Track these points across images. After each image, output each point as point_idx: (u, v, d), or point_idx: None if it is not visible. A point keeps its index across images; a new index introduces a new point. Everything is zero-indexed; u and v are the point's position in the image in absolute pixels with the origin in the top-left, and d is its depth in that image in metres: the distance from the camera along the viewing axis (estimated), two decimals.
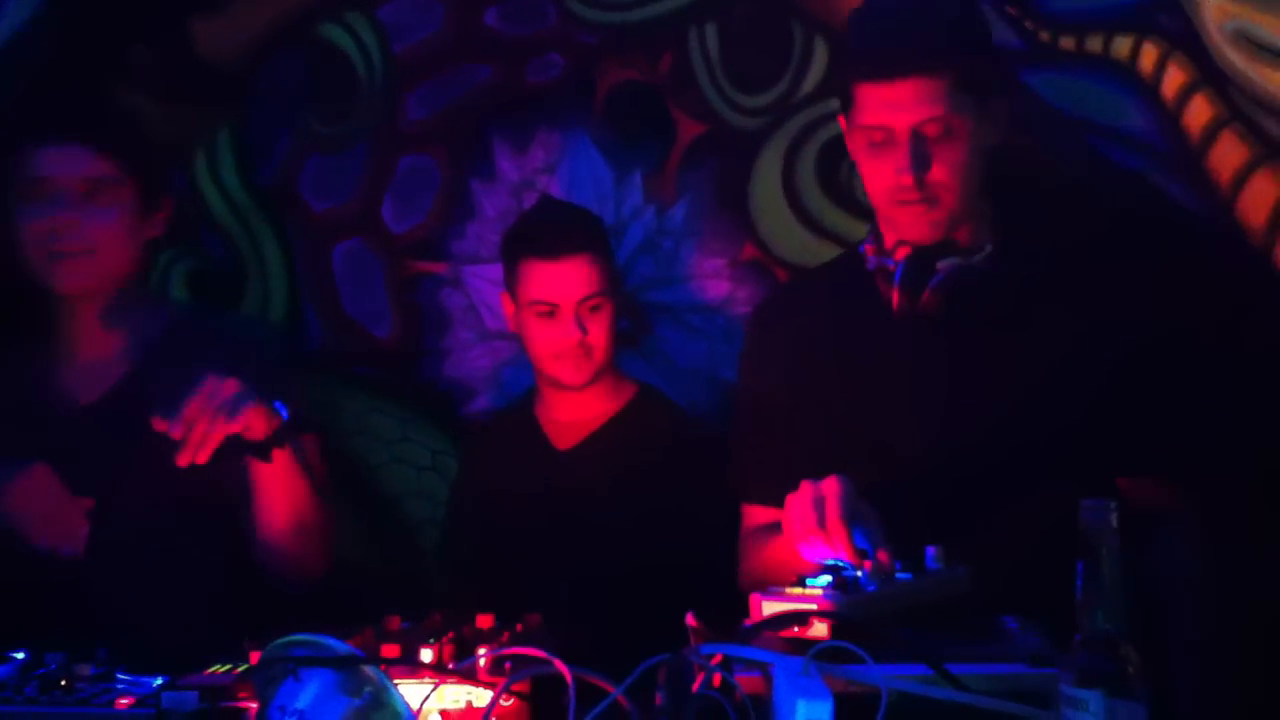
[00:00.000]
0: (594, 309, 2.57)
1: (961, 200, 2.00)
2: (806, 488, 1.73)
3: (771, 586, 1.53)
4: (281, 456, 2.13)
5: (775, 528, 1.88)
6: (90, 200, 2.28)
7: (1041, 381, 1.98)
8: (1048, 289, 2.01)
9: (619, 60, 3.02)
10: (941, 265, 1.99)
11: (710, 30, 2.99)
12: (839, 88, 2.07)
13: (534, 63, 3.05)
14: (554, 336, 2.57)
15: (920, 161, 1.94)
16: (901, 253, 2.02)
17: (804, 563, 1.73)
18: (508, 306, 2.68)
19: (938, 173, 1.96)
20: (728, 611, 1.50)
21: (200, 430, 1.98)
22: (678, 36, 3.00)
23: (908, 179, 1.96)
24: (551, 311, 2.56)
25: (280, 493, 2.21)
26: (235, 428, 2.02)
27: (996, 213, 2.08)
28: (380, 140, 3.08)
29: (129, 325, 2.38)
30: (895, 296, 2.00)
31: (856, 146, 2.04)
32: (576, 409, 2.68)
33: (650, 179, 3.03)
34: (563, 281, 2.55)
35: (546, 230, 2.61)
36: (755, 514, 2.14)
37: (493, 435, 2.83)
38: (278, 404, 2.11)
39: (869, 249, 2.08)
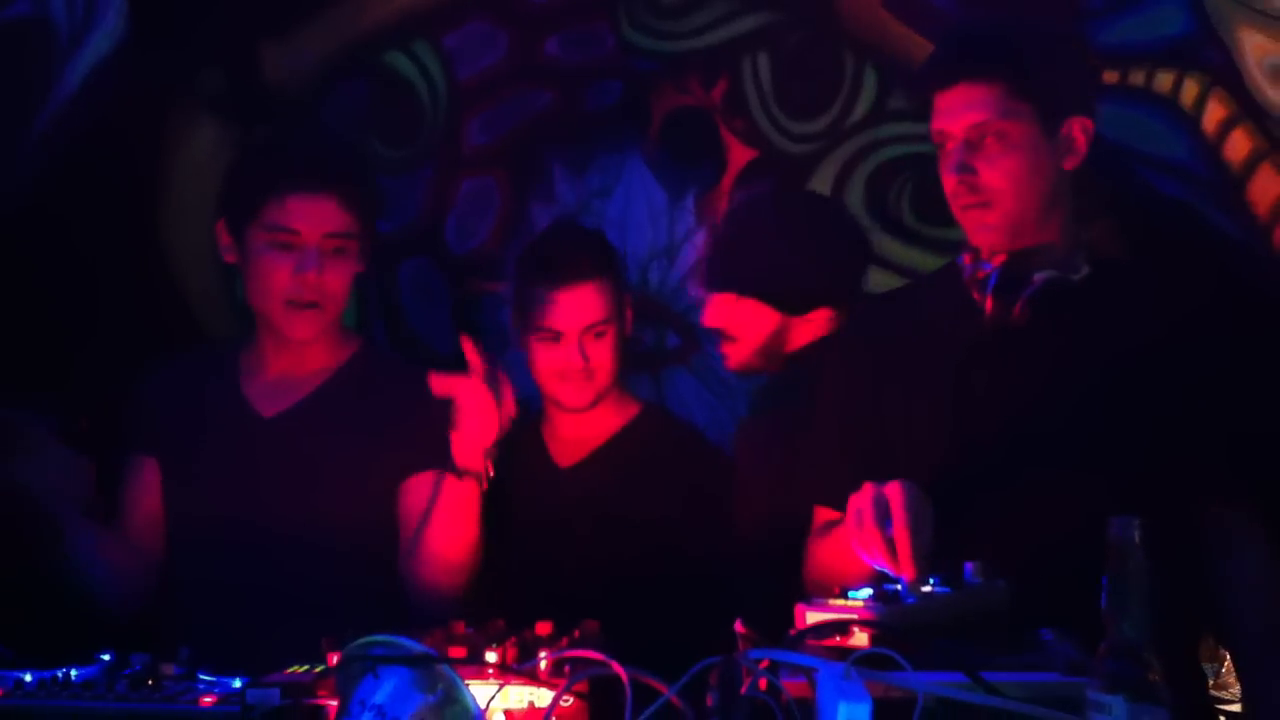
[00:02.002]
0: (598, 335, 2.56)
1: (1022, 208, 2.06)
2: (869, 490, 1.79)
3: (816, 597, 1.61)
4: (469, 487, 2.28)
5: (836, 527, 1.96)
6: (333, 256, 2.37)
7: (1120, 402, 2.02)
8: (1133, 312, 2.06)
9: (674, 87, 3.12)
10: (1038, 276, 2.05)
11: (763, 58, 3.09)
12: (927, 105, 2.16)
13: (592, 89, 3.15)
14: (557, 360, 2.57)
15: (963, 164, 2.03)
16: (998, 260, 2.08)
17: (860, 563, 1.80)
18: (513, 320, 2.68)
19: (989, 177, 2.03)
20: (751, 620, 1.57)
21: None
22: (731, 64, 3.10)
23: (951, 179, 2.06)
24: (556, 337, 2.57)
25: (460, 518, 2.32)
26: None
27: (1091, 238, 2.15)
28: (443, 163, 3.19)
29: (318, 349, 2.47)
30: (989, 303, 2.05)
31: (939, 158, 2.13)
32: (580, 427, 2.68)
33: (703, 202, 3.12)
34: (568, 310, 2.55)
35: (556, 257, 2.60)
36: (822, 514, 2.18)
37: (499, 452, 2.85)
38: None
39: (966, 258, 2.14)
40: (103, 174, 2.93)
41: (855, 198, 3.06)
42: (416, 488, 2.37)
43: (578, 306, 2.55)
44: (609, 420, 2.69)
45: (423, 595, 2.35)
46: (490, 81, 3.17)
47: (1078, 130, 2.06)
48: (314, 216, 2.35)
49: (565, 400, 2.61)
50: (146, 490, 2.46)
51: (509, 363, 2.85)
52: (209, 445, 2.43)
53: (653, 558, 2.50)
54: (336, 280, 2.39)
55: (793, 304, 2.52)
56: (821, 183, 3.06)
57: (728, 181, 3.11)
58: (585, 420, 2.67)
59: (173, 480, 2.45)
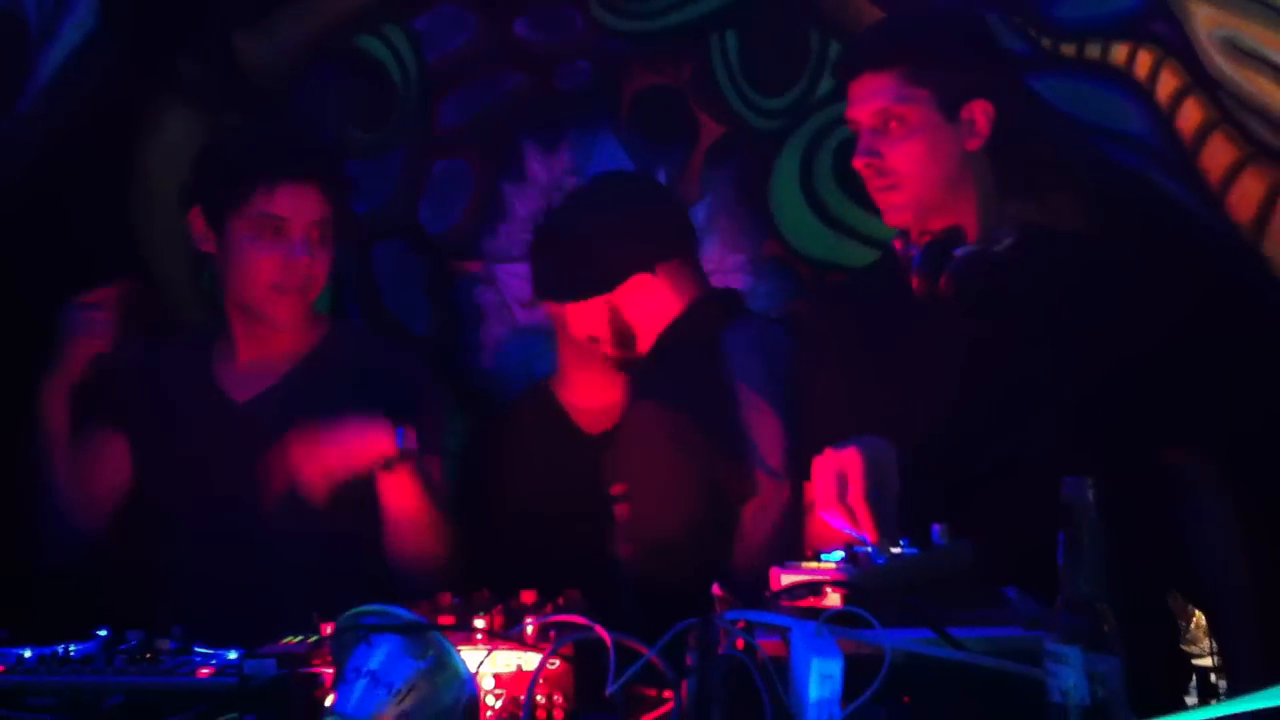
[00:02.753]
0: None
1: (926, 187, 2.18)
2: (830, 457, 1.86)
3: (789, 561, 1.67)
4: (401, 474, 2.31)
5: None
6: (317, 243, 2.44)
7: (1052, 365, 2.11)
8: (1062, 277, 2.15)
9: (644, 66, 3.17)
10: (958, 251, 2.15)
11: (731, 36, 3.14)
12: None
13: (562, 69, 3.19)
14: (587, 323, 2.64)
15: (869, 148, 2.17)
16: (923, 241, 2.19)
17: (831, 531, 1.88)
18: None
19: (893, 159, 2.17)
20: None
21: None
22: (700, 42, 3.14)
23: (859, 163, 2.19)
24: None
25: (402, 504, 2.36)
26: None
27: (1018, 211, 2.24)
28: (416, 145, 3.22)
29: (289, 333, 2.52)
30: (915, 281, 2.16)
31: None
32: (600, 395, 2.77)
33: (674, 179, 3.16)
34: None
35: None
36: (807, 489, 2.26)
37: (515, 420, 2.91)
38: (400, 430, 2.28)
39: (897, 243, 2.26)
40: (76, 164, 2.95)
41: (824, 172, 3.11)
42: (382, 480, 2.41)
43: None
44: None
45: (403, 574, 2.41)
46: (461, 63, 3.20)
47: (979, 113, 2.17)
48: (301, 205, 2.41)
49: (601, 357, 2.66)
50: (108, 464, 2.51)
51: (527, 343, 2.95)
52: (183, 431, 2.48)
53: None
54: (321, 266, 2.47)
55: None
56: (791, 157, 3.12)
57: (698, 158, 3.16)
58: (607, 388, 2.72)
59: (146, 464, 2.50)
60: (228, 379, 2.51)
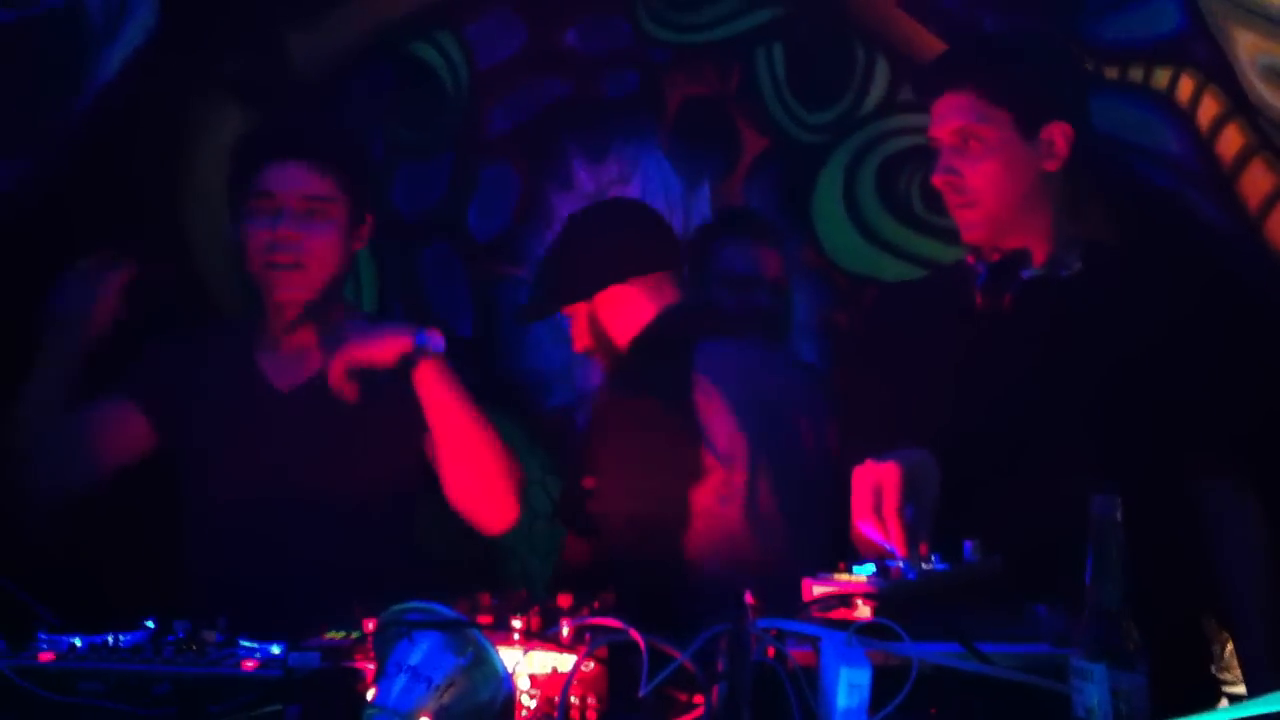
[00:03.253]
0: None
1: (1001, 206, 2.20)
2: (870, 468, 1.89)
3: (821, 572, 1.71)
4: (430, 371, 2.31)
5: None
6: (310, 217, 2.44)
7: (1098, 387, 2.13)
8: (1124, 303, 2.18)
9: (689, 77, 3.22)
10: (1025, 273, 2.19)
11: (777, 50, 3.18)
12: None
13: (610, 79, 3.24)
14: None
15: (948, 165, 2.20)
16: (994, 259, 2.23)
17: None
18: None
19: (971, 177, 2.19)
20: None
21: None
22: (746, 55, 3.19)
23: (938, 180, 2.22)
24: None
25: (440, 402, 2.35)
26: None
27: (1088, 229, 2.29)
28: (465, 150, 3.28)
29: (326, 324, 2.51)
30: (979, 298, 2.20)
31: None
32: None
33: (718, 189, 3.21)
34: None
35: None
36: None
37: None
38: (422, 332, 2.30)
39: (970, 258, 2.29)
40: (133, 159, 3.01)
41: (866, 186, 3.14)
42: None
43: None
44: None
45: (477, 522, 2.44)
46: (511, 70, 3.26)
47: (1058, 134, 2.19)
48: (287, 179, 2.43)
49: None
50: (121, 433, 2.52)
51: (568, 349, 2.98)
52: (225, 417, 2.50)
53: None
54: (318, 241, 2.45)
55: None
56: (833, 171, 3.15)
57: (742, 168, 3.20)
58: None
59: (184, 449, 2.51)
60: (270, 367, 2.54)
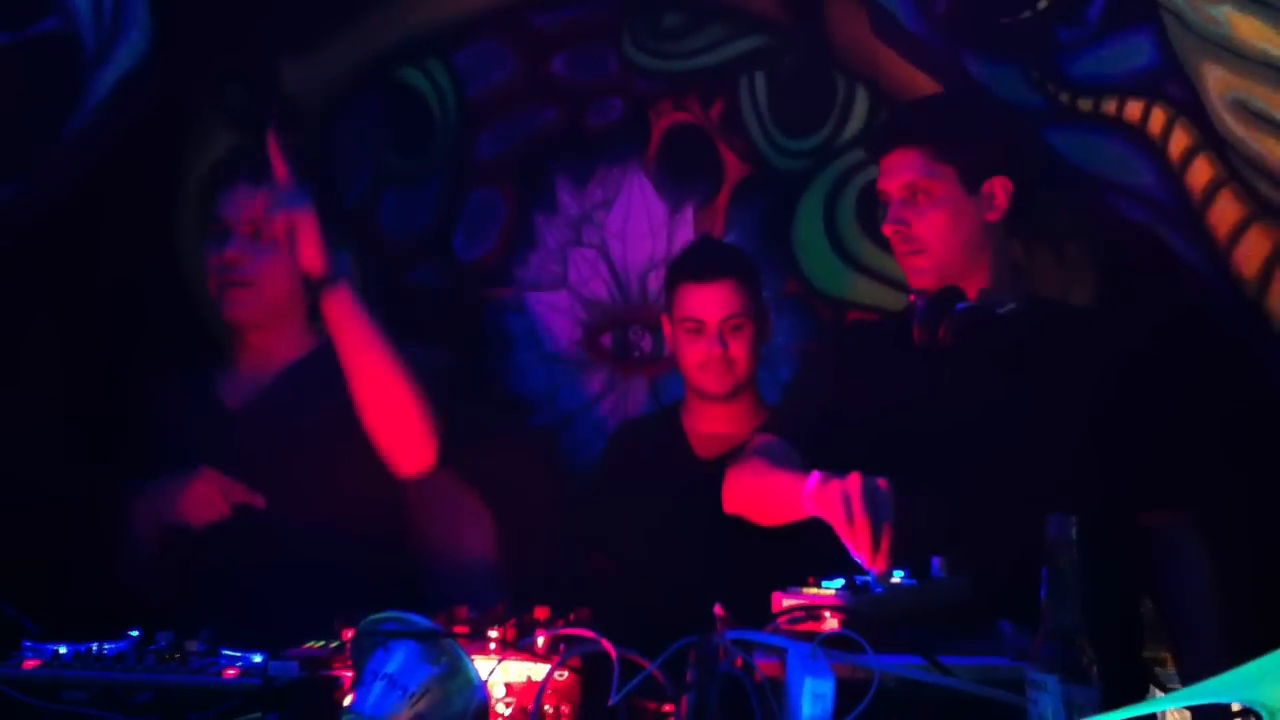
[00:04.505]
0: (735, 328, 2.83)
1: (948, 254, 2.36)
2: (857, 480, 1.95)
3: (790, 586, 1.75)
4: (341, 300, 2.41)
5: (768, 454, 2.28)
6: (256, 238, 2.54)
7: (1044, 414, 2.24)
8: (1059, 334, 2.31)
9: (674, 105, 3.26)
10: (958, 306, 2.31)
11: (760, 79, 3.22)
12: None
13: (595, 106, 3.29)
14: (699, 349, 2.83)
15: (897, 216, 2.35)
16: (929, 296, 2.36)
17: (775, 498, 2.13)
18: (666, 327, 2.95)
19: (919, 228, 2.35)
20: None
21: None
22: (729, 84, 3.23)
23: (888, 230, 2.37)
24: (698, 328, 2.83)
25: (349, 329, 2.44)
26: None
27: (1026, 276, 2.44)
28: (452, 175, 3.32)
29: (282, 345, 2.63)
30: (915, 330, 2.32)
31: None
32: (718, 422, 2.90)
33: (700, 215, 3.25)
34: (709, 302, 2.82)
35: (699, 260, 2.91)
36: (755, 439, 2.46)
37: (635, 439, 3.04)
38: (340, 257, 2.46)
39: (912, 296, 2.42)
40: (124, 183, 3.05)
41: (846, 213, 3.19)
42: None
43: (717, 299, 2.82)
44: (747, 421, 2.86)
45: (394, 461, 2.51)
46: (498, 98, 3.30)
47: (998, 188, 2.35)
48: (239, 204, 2.54)
49: (707, 387, 2.86)
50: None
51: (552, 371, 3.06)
52: (186, 443, 2.54)
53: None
54: (266, 264, 2.54)
55: None
56: (813, 198, 3.20)
57: (724, 195, 3.25)
58: (726, 417, 2.89)
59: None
60: (226, 391, 2.62)
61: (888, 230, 2.38)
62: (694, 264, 2.90)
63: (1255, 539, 2.44)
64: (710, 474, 2.80)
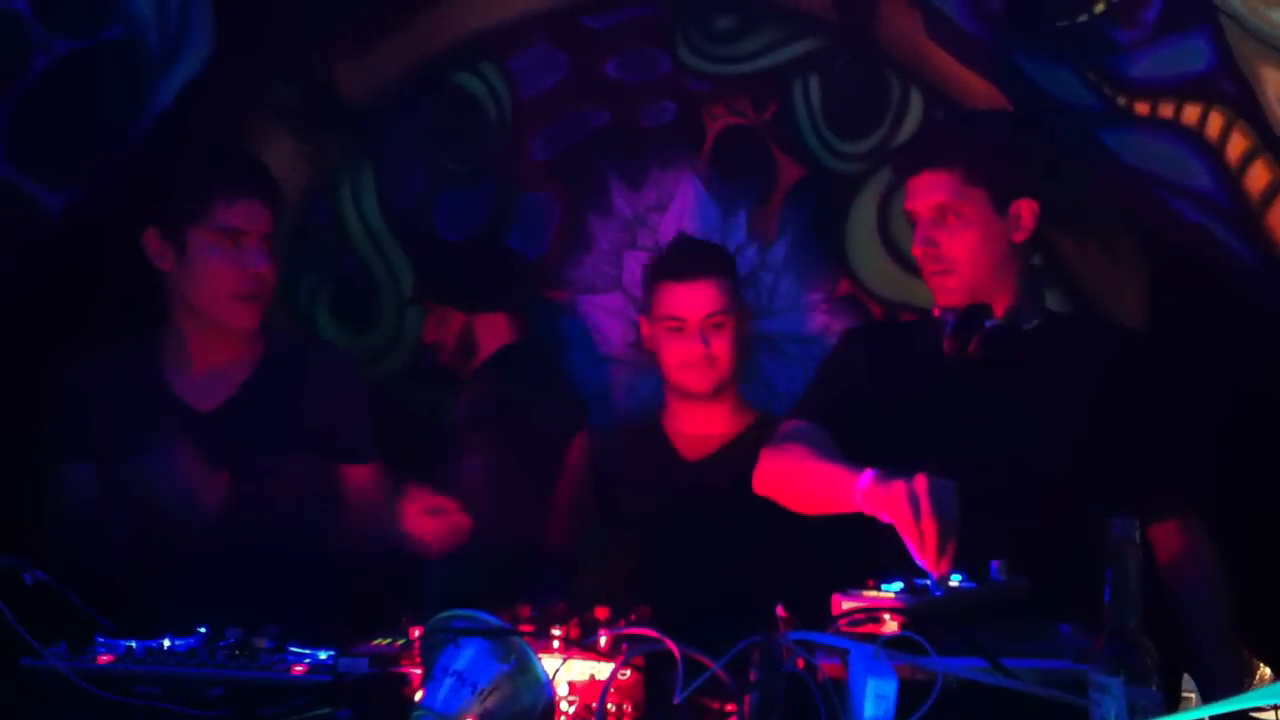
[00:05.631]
0: (717, 326, 2.83)
1: (976, 274, 2.41)
2: (924, 482, 1.96)
3: (851, 589, 1.77)
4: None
5: (807, 440, 2.31)
6: (268, 251, 2.60)
7: (1063, 429, 2.31)
8: (1077, 358, 2.37)
9: (727, 107, 3.28)
10: (988, 323, 2.38)
11: (813, 81, 3.24)
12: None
13: (648, 109, 3.31)
14: (681, 348, 2.84)
15: (928, 237, 2.41)
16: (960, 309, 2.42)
17: (810, 486, 2.19)
18: (644, 327, 2.96)
19: (949, 248, 2.40)
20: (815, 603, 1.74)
21: None
22: (783, 86, 3.24)
23: (917, 251, 2.43)
24: (680, 327, 2.83)
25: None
26: None
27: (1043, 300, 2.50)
28: (507, 178, 3.34)
29: (239, 341, 2.66)
30: (947, 344, 2.38)
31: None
32: (701, 423, 2.92)
33: (754, 217, 3.27)
34: (689, 300, 2.83)
35: (678, 258, 2.92)
36: (789, 424, 2.49)
37: (619, 442, 3.05)
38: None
39: (936, 311, 2.49)
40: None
41: (899, 214, 3.18)
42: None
43: (698, 298, 2.84)
44: (730, 421, 2.92)
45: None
46: (552, 101, 3.32)
47: (1025, 210, 2.40)
48: (257, 217, 2.59)
49: (690, 385, 2.87)
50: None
51: (605, 371, 3.10)
52: (144, 443, 2.53)
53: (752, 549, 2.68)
54: (273, 274, 2.63)
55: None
56: (868, 200, 3.21)
57: (777, 197, 3.27)
58: (708, 417, 2.91)
59: (108, 483, 2.59)
60: (186, 389, 2.62)
61: (917, 251, 2.43)
62: (675, 263, 2.91)
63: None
64: (701, 476, 2.87)
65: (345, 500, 2.67)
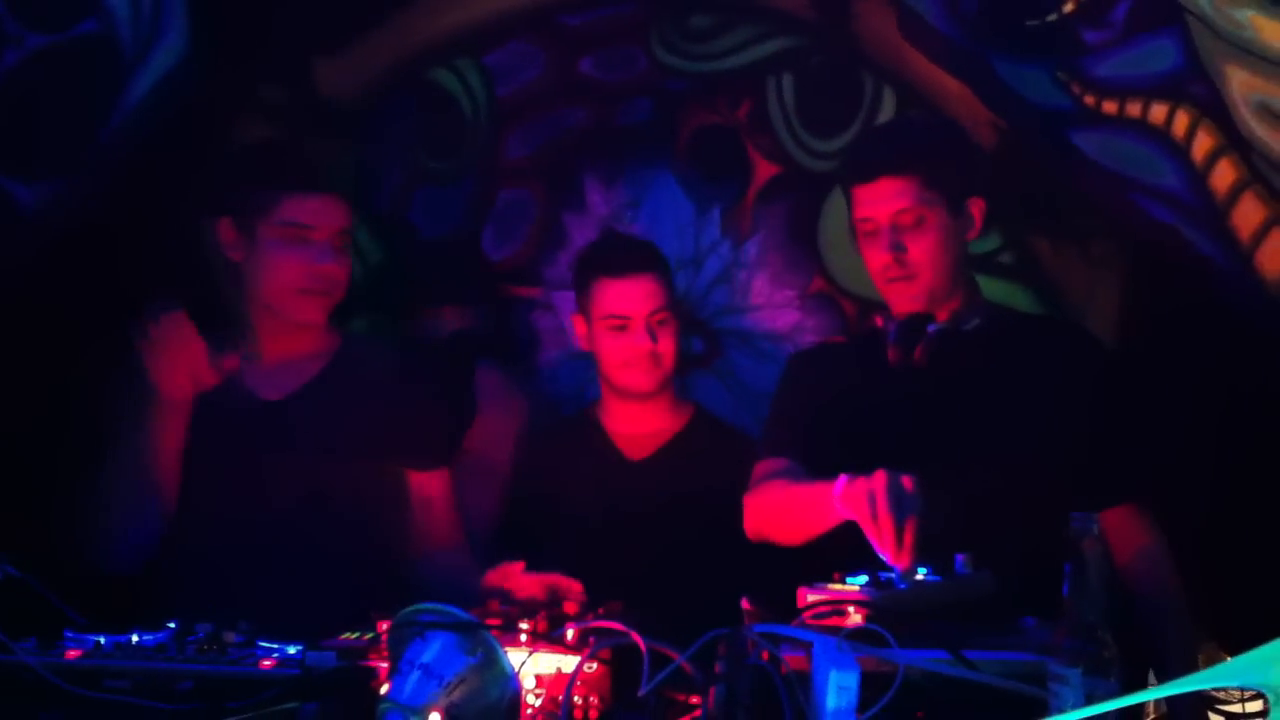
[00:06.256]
0: (661, 323, 2.81)
1: (939, 278, 2.44)
2: (883, 477, 2.00)
3: (816, 582, 1.78)
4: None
5: (785, 475, 2.34)
6: (340, 249, 2.61)
7: (1009, 423, 2.36)
8: (1016, 354, 2.43)
9: (702, 105, 3.29)
10: (930, 328, 2.42)
11: (787, 79, 3.25)
12: (845, 196, 2.54)
13: (624, 106, 3.32)
14: (625, 346, 2.80)
15: (896, 243, 2.41)
16: (899, 318, 2.47)
17: (798, 517, 2.21)
18: (580, 326, 2.91)
19: (914, 253, 2.41)
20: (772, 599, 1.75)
21: None
22: (757, 85, 3.26)
23: (887, 258, 2.42)
24: (624, 325, 2.80)
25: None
26: None
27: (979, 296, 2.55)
28: (483, 175, 3.35)
29: (311, 335, 2.68)
30: (891, 352, 2.42)
31: (858, 239, 2.51)
32: (641, 422, 2.91)
33: (727, 215, 3.29)
34: (633, 296, 2.80)
35: (615, 253, 2.88)
36: (762, 466, 2.49)
37: (556, 441, 3.02)
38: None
39: (879, 319, 2.53)
40: (162, 182, 3.09)
41: None
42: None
43: (641, 293, 2.80)
44: (668, 418, 2.92)
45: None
46: (528, 98, 3.33)
47: (975, 209, 2.46)
48: (328, 214, 2.59)
49: (633, 385, 2.84)
50: (170, 431, 2.59)
51: (579, 368, 3.11)
52: (212, 429, 2.58)
53: (711, 545, 2.68)
54: (343, 272, 2.63)
55: None
56: (841, 197, 3.21)
57: (751, 195, 3.28)
58: (646, 416, 2.90)
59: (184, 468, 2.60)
60: (253, 377, 2.64)
61: (884, 259, 2.43)
62: (610, 258, 2.86)
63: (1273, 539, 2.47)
64: (647, 477, 2.86)
65: (412, 507, 2.68)
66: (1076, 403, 2.37)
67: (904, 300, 2.45)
